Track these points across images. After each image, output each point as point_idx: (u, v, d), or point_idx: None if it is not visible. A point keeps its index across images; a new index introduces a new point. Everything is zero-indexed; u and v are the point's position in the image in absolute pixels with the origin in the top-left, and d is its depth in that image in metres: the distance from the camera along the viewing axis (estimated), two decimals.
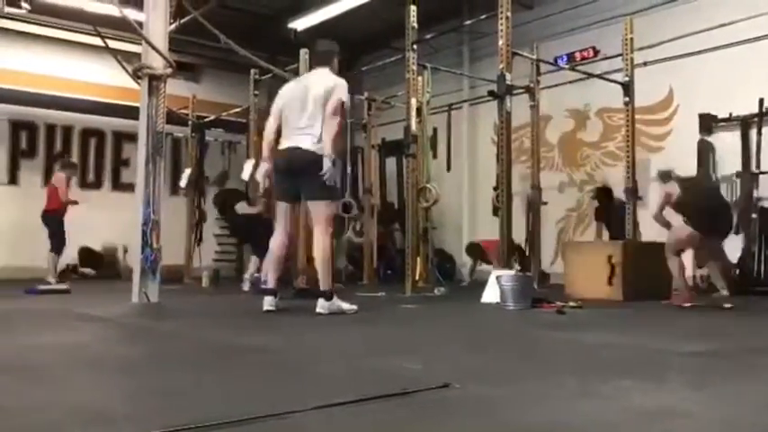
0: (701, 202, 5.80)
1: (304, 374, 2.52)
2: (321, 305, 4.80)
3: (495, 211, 7.44)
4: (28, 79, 10.79)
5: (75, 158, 11.84)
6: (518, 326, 4.55)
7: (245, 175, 9.51)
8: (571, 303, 5.58)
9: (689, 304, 5.42)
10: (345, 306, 4.91)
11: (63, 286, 7.58)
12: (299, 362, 2.85)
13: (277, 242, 5.09)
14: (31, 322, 4.55)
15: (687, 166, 8.06)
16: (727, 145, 8.14)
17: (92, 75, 11.08)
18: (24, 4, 9.90)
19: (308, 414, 1.80)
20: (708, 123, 8.28)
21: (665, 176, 6.00)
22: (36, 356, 2.94)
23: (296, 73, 8.79)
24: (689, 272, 5.68)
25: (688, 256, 5.71)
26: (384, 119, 10.90)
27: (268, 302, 4.94)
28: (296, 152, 4.88)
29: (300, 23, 10.77)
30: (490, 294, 5.95)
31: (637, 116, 7.83)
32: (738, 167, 7.99)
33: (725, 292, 5.54)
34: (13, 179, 11.31)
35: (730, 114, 8.13)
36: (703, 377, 2.51)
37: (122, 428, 1.61)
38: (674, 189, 5.80)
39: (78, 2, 9.56)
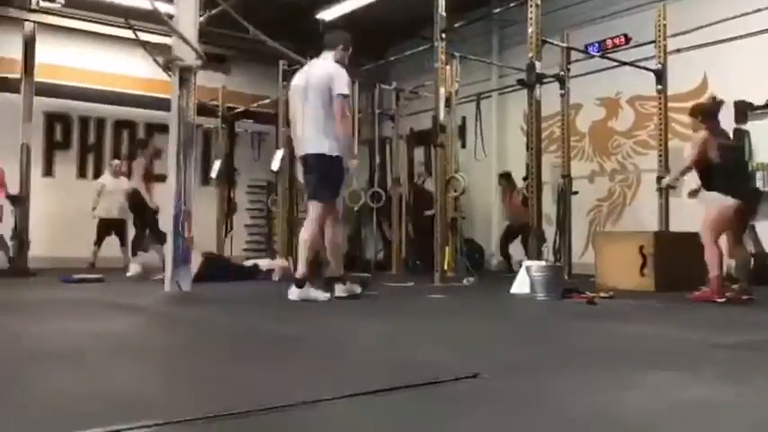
0: (743, 166, 5.54)
1: (335, 363, 2.54)
2: (292, 292, 5.06)
3: (525, 202, 7.40)
4: (62, 72, 10.96)
5: (107, 150, 12.06)
6: (548, 316, 4.52)
7: (275, 166, 9.60)
8: (602, 294, 5.53)
9: (722, 299, 5.10)
10: (315, 294, 5.06)
11: (97, 275, 7.73)
12: (330, 351, 2.87)
13: (304, 235, 5.23)
14: (69, 311, 4.65)
15: None
16: (764, 133, 7.95)
17: (124, 67, 11.22)
18: None
19: (339, 402, 1.81)
20: (743, 111, 8.09)
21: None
22: (74, 344, 3.01)
23: None
24: (724, 263, 5.44)
25: (723, 245, 5.50)
26: (412, 109, 10.88)
27: (293, 293, 5.09)
28: (306, 158, 5.21)
29: (328, 14, 10.76)
30: (520, 285, 5.92)
31: (669, 104, 7.69)
32: None
33: (744, 284, 5.37)
34: (48, 171, 11.53)
35: (767, 102, 7.94)
36: (741, 368, 2.47)
37: (160, 415, 1.64)
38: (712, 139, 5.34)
39: None
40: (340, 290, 5.22)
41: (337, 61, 5.24)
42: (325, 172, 5.11)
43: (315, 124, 5.07)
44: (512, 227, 9.80)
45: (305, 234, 5.17)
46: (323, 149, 5.06)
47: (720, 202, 5.29)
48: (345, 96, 5.06)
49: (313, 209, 5.16)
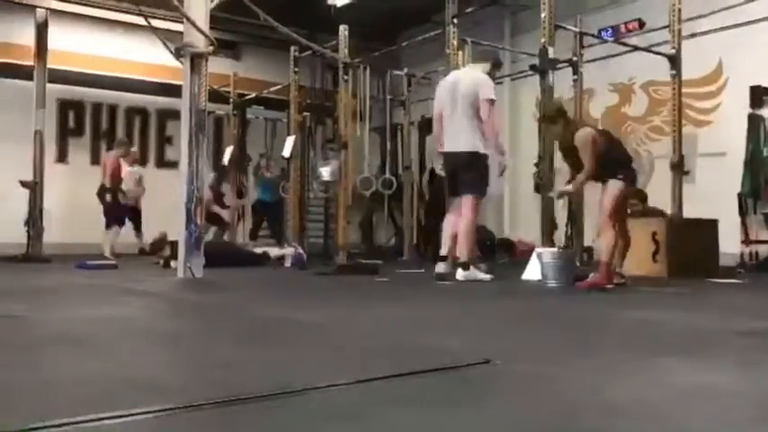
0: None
1: (346, 349, 2.55)
2: (460, 274, 5.73)
3: (537, 188, 7.37)
4: (74, 59, 10.99)
5: (120, 137, 12.11)
6: (559, 303, 4.52)
7: (287, 152, 9.60)
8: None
9: (610, 285, 5.07)
10: (481, 275, 5.77)
11: (111, 261, 7.79)
12: (342, 336, 2.88)
13: (449, 222, 5.99)
14: (83, 296, 4.69)
15: (736, 141, 7.85)
16: None
17: (136, 54, 11.24)
18: None
19: (350, 387, 1.82)
20: (759, 96, 8.02)
21: None
22: (89, 329, 3.04)
23: (335, 50, 8.80)
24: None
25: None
26: (424, 95, 10.82)
27: (440, 267, 5.90)
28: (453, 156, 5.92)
29: None
30: (531, 271, 5.91)
31: (684, 89, 7.61)
32: None
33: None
34: (61, 157, 11.60)
35: None
36: (752, 356, 2.46)
37: (172, 399, 1.65)
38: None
39: None
40: (461, 275, 5.73)
41: (487, 74, 5.95)
42: (481, 169, 5.89)
43: (468, 125, 5.76)
44: None
45: (466, 223, 5.79)
46: (476, 148, 5.78)
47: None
48: (493, 101, 5.77)
49: (468, 201, 5.83)
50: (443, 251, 5.94)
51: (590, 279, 5.17)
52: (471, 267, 5.76)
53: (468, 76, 5.95)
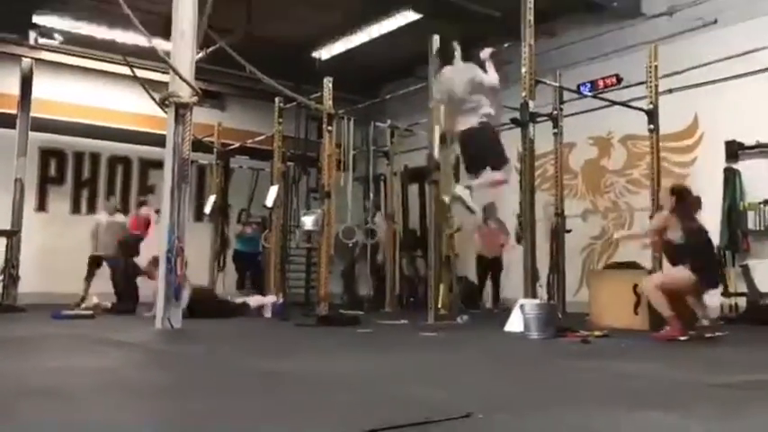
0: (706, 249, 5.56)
1: (326, 401, 2.51)
2: None
3: (518, 239, 7.41)
4: (57, 108, 11.00)
5: (101, 185, 12.05)
6: (542, 355, 4.49)
7: (269, 202, 9.60)
8: (596, 333, 5.50)
9: (684, 337, 5.16)
10: None
11: (87, 312, 7.65)
12: (321, 388, 2.83)
13: None
14: (59, 347, 4.60)
15: (713, 194, 7.97)
16: (754, 172, 8.04)
17: (120, 103, 11.29)
18: (57, 36, 10.22)
19: None
20: (734, 150, 8.20)
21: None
22: (65, 380, 2.97)
23: (319, 101, 8.91)
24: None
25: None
26: (407, 146, 10.93)
27: None
28: None
29: (324, 52, 10.89)
30: (514, 323, 5.88)
31: (661, 143, 7.75)
32: (766, 195, 7.88)
33: (705, 322, 5.46)
34: (41, 206, 11.50)
35: (757, 141, 8.04)
36: (733, 409, 2.45)
37: None
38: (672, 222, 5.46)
39: (110, 33, 9.79)
40: None
41: None
42: None
43: None
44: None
45: None
46: None
47: (679, 274, 5.40)
48: None
49: None
50: None
51: (664, 332, 5.26)
52: None
53: None
